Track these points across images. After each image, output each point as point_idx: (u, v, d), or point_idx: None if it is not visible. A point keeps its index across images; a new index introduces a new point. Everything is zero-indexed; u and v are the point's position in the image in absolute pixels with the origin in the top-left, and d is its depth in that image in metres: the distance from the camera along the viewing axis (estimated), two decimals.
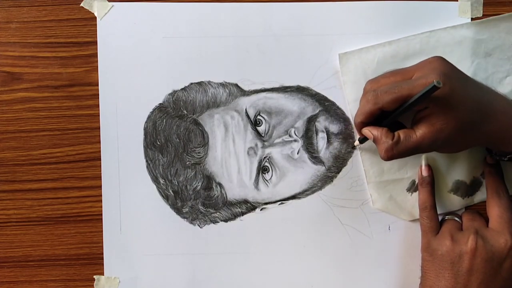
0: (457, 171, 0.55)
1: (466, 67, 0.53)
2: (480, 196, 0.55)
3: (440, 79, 0.45)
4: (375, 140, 0.50)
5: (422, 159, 0.55)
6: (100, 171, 0.56)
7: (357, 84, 0.54)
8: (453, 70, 0.48)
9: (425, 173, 0.54)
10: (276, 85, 0.55)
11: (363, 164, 0.55)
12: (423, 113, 0.48)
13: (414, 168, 0.55)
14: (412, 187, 0.56)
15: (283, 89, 0.56)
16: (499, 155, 0.52)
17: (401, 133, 0.48)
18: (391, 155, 0.48)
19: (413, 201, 0.56)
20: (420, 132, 0.47)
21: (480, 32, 0.54)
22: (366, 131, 0.51)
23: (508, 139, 0.49)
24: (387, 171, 0.55)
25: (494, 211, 0.51)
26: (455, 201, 0.56)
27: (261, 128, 0.55)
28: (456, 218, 0.54)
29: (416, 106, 0.47)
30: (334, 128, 0.55)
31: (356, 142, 0.54)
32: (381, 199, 0.56)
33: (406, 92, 0.46)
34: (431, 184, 0.54)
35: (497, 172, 0.54)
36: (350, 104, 0.55)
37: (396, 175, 0.55)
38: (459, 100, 0.46)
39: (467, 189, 0.55)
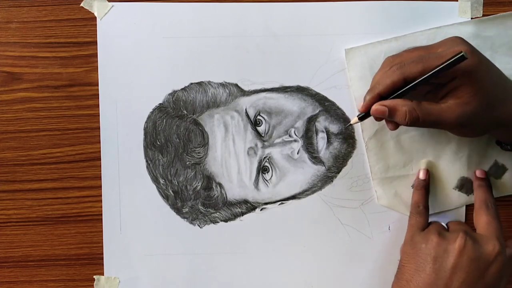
0: (461, 168, 0.55)
1: None
2: None
3: (468, 49, 0.45)
4: (391, 111, 0.47)
5: (422, 162, 0.55)
6: (100, 171, 0.56)
7: (364, 80, 0.54)
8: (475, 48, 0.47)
9: (422, 176, 0.54)
10: (276, 85, 0.55)
11: (368, 160, 0.55)
12: (450, 86, 0.47)
13: (420, 164, 0.55)
14: None
15: (283, 89, 0.56)
16: (509, 145, 0.52)
17: (423, 102, 0.47)
18: (415, 116, 0.46)
19: None
20: (447, 104, 0.46)
21: (487, 29, 0.54)
22: (378, 106, 0.47)
23: None
24: (392, 167, 0.55)
25: (482, 219, 0.50)
26: (460, 198, 0.56)
27: (261, 128, 0.55)
28: (443, 223, 0.53)
29: (440, 76, 0.45)
30: (334, 128, 0.55)
31: (355, 119, 0.52)
32: (386, 196, 0.56)
33: (434, 62, 0.45)
34: (426, 187, 0.54)
35: (487, 186, 0.54)
36: (357, 100, 0.55)
37: (401, 172, 0.56)
38: (486, 72, 0.46)
39: (471, 186, 0.56)
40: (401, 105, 0.47)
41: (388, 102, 0.47)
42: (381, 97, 0.48)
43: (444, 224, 0.53)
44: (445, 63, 0.45)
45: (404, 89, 0.47)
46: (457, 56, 0.44)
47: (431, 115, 0.46)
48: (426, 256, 0.48)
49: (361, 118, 0.51)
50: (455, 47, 0.46)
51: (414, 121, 0.46)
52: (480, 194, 0.53)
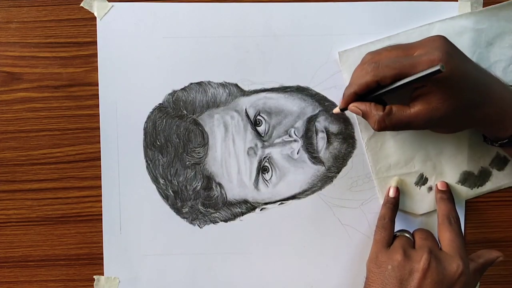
0: (463, 162, 0.55)
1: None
2: (490, 186, 0.56)
3: (443, 58, 0.44)
4: (364, 115, 0.49)
5: (393, 180, 0.55)
6: (100, 171, 0.56)
7: None
8: (455, 50, 0.47)
9: (392, 194, 0.54)
10: (276, 85, 0.55)
11: (369, 160, 0.55)
12: (420, 91, 0.47)
13: (422, 161, 0.55)
14: (421, 181, 0.56)
15: (283, 89, 0.56)
16: (492, 141, 0.51)
17: (394, 106, 0.48)
18: (383, 126, 0.48)
19: (422, 195, 0.56)
20: (416, 109, 0.47)
21: (479, 21, 0.54)
22: (353, 107, 0.50)
23: (503, 124, 0.48)
24: (394, 166, 0.55)
25: (446, 236, 0.50)
26: (463, 192, 0.56)
27: (261, 128, 0.55)
28: (408, 235, 0.52)
29: (413, 85, 0.46)
30: (334, 128, 0.55)
31: (336, 109, 0.53)
32: None
33: (408, 68, 0.46)
34: (395, 205, 0.54)
35: (449, 198, 0.54)
36: None
37: (403, 170, 0.56)
38: (458, 80, 0.46)
39: (476, 179, 0.56)
40: (372, 114, 0.48)
41: (363, 106, 0.49)
42: (357, 94, 0.49)
43: (409, 236, 0.52)
44: (419, 75, 0.44)
45: (376, 93, 0.49)
46: (433, 70, 0.43)
47: (400, 122, 0.48)
48: (391, 278, 0.48)
49: (342, 110, 0.52)
50: (433, 51, 0.46)
51: (383, 129, 0.48)
52: (443, 207, 0.53)
